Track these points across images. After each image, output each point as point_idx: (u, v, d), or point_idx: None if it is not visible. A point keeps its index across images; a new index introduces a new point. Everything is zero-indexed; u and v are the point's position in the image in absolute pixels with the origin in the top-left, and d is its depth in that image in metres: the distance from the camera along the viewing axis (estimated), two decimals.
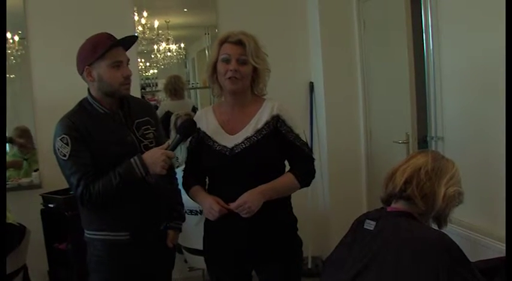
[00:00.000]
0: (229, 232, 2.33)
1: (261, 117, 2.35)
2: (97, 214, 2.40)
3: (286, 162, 2.43)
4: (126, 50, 2.41)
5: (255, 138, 2.31)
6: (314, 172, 2.43)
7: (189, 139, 2.42)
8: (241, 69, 2.28)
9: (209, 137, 2.38)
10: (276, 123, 2.34)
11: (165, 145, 2.35)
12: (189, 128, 2.39)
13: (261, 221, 2.26)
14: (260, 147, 2.30)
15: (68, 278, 3.74)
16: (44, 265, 3.93)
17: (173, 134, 4.14)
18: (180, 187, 2.57)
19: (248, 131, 2.33)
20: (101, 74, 2.33)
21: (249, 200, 2.20)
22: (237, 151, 2.31)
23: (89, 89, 2.42)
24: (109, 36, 2.34)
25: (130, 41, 2.42)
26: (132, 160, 2.29)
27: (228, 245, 2.37)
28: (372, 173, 4.40)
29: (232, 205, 2.22)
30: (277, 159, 2.36)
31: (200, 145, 2.41)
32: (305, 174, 2.39)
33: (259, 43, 2.35)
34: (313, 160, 2.43)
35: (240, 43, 2.29)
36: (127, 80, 2.37)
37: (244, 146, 2.31)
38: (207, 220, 2.41)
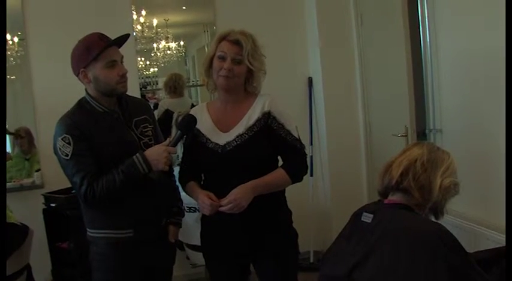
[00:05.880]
0: (225, 226, 2.34)
1: (252, 114, 2.37)
2: (99, 213, 2.41)
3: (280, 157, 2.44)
4: (119, 47, 2.42)
5: (246, 136, 2.33)
6: (306, 167, 2.43)
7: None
8: (235, 68, 2.31)
9: (202, 134, 2.40)
10: (267, 120, 2.35)
11: (167, 142, 2.36)
12: (189, 123, 2.40)
13: (256, 214, 2.27)
14: (251, 144, 2.32)
15: (72, 277, 3.75)
16: (47, 264, 3.95)
17: (174, 131, 4.16)
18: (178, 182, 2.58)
19: (240, 128, 2.35)
20: (96, 75, 2.34)
21: (238, 197, 2.21)
22: (228, 149, 2.33)
23: (86, 89, 2.43)
24: (101, 37, 2.35)
25: (122, 39, 2.42)
26: (134, 157, 2.30)
27: (224, 240, 2.39)
28: (371, 166, 4.41)
29: (223, 202, 2.23)
30: (269, 155, 2.37)
31: (195, 141, 2.43)
32: (296, 169, 2.39)
33: (258, 43, 2.36)
34: (305, 155, 2.44)
35: (237, 43, 2.31)
36: (123, 78, 2.38)
37: (235, 144, 2.33)
38: (203, 215, 2.42)
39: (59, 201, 3.75)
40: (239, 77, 2.34)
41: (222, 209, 2.23)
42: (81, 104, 2.43)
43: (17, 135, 4.22)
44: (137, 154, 2.31)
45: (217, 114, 2.43)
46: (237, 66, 2.31)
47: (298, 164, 2.40)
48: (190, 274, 4.35)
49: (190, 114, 2.43)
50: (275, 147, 2.37)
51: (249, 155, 2.30)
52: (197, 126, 2.42)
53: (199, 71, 4.77)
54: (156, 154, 2.30)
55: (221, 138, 2.35)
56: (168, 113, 4.38)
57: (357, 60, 4.42)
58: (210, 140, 2.37)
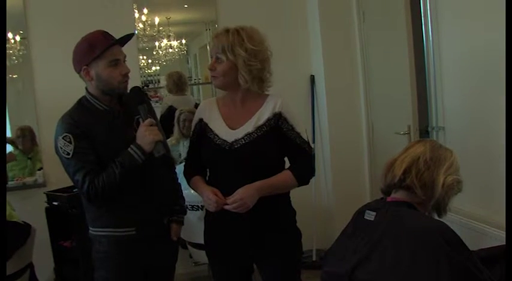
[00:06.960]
0: (229, 225, 2.34)
1: (262, 114, 2.35)
2: (102, 211, 2.41)
3: (286, 159, 2.43)
4: (122, 46, 2.42)
5: (255, 135, 2.32)
6: (313, 170, 2.42)
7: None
8: (216, 66, 2.31)
9: (211, 129, 2.39)
10: (278, 121, 2.33)
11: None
12: (137, 93, 2.44)
13: (261, 213, 2.27)
14: (260, 144, 2.30)
15: (74, 275, 3.75)
16: (50, 263, 3.95)
17: (176, 129, 4.18)
18: (181, 178, 2.58)
19: (249, 126, 2.34)
20: (99, 73, 2.34)
21: (244, 197, 2.20)
22: (236, 146, 2.32)
23: (86, 87, 2.43)
24: (105, 35, 2.35)
25: (126, 39, 2.42)
26: (129, 148, 2.30)
27: (227, 238, 2.39)
28: (374, 164, 4.40)
29: (229, 201, 2.22)
30: (276, 156, 2.36)
31: (202, 136, 2.43)
32: (304, 172, 2.37)
33: (248, 35, 2.29)
34: (312, 158, 2.43)
35: (215, 41, 2.32)
36: (125, 77, 2.39)
37: (244, 142, 2.31)
38: (207, 213, 2.43)
39: (61, 199, 3.76)
40: (224, 76, 2.31)
41: (227, 207, 2.22)
42: (82, 102, 2.43)
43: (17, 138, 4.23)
44: (131, 145, 2.31)
45: (227, 110, 2.42)
46: (219, 64, 2.30)
47: (305, 167, 2.39)
48: (192, 272, 4.36)
49: (134, 87, 2.46)
50: (283, 148, 2.35)
51: (256, 154, 2.29)
52: (206, 121, 2.42)
53: (201, 69, 4.80)
54: (138, 133, 2.32)
55: (230, 136, 2.34)
56: (171, 110, 4.38)
57: (359, 58, 4.41)
58: (218, 136, 2.36)
